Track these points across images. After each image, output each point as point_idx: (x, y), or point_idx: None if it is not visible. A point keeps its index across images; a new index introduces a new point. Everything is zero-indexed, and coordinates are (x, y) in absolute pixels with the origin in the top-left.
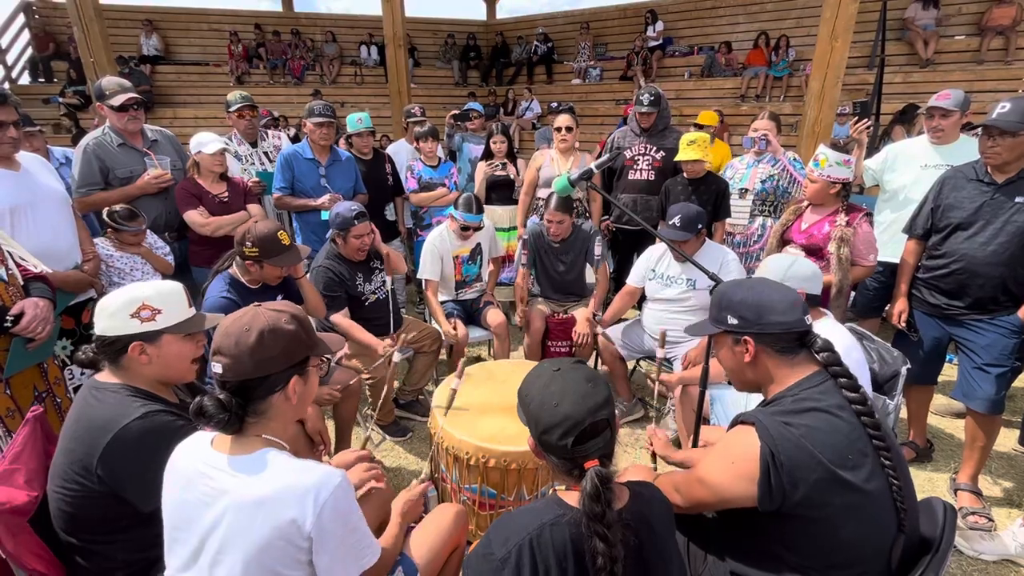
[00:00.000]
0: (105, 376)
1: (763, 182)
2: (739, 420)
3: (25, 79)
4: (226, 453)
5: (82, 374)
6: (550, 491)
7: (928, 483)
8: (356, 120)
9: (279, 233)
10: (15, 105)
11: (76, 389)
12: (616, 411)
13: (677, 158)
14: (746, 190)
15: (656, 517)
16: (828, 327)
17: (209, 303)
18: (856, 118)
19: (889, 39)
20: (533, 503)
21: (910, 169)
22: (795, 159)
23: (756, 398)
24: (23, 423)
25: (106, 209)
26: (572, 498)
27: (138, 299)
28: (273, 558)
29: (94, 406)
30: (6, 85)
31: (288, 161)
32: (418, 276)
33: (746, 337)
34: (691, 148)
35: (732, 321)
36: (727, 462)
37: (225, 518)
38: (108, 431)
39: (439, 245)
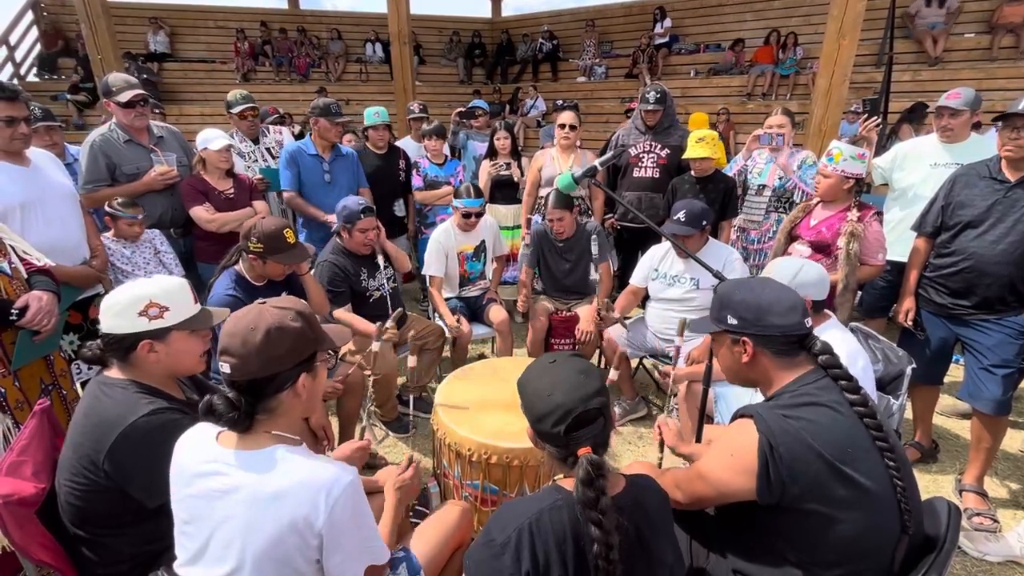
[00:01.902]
0: (113, 372)
1: (781, 179)
2: (739, 414)
3: (33, 76)
4: (235, 449)
5: (89, 369)
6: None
7: (933, 484)
8: (373, 114)
9: (285, 231)
10: (26, 101)
11: (84, 384)
12: (619, 409)
13: (685, 155)
14: (764, 186)
15: (651, 503)
16: (833, 333)
17: (214, 300)
18: (865, 116)
19: (897, 37)
20: (533, 493)
21: (919, 167)
22: (812, 163)
23: (761, 396)
24: (30, 416)
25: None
26: (570, 485)
27: (144, 297)
28: (283, 553)
29: (103, 401)
30: (14, 82)
31: (293, 158)
32: (423, 272)
33: (744, 338)
34: (700, 146)
35: (732, 321)
36: (726, 455)
37: (236, 513)
38: (116, 427)
39: (444, 241)
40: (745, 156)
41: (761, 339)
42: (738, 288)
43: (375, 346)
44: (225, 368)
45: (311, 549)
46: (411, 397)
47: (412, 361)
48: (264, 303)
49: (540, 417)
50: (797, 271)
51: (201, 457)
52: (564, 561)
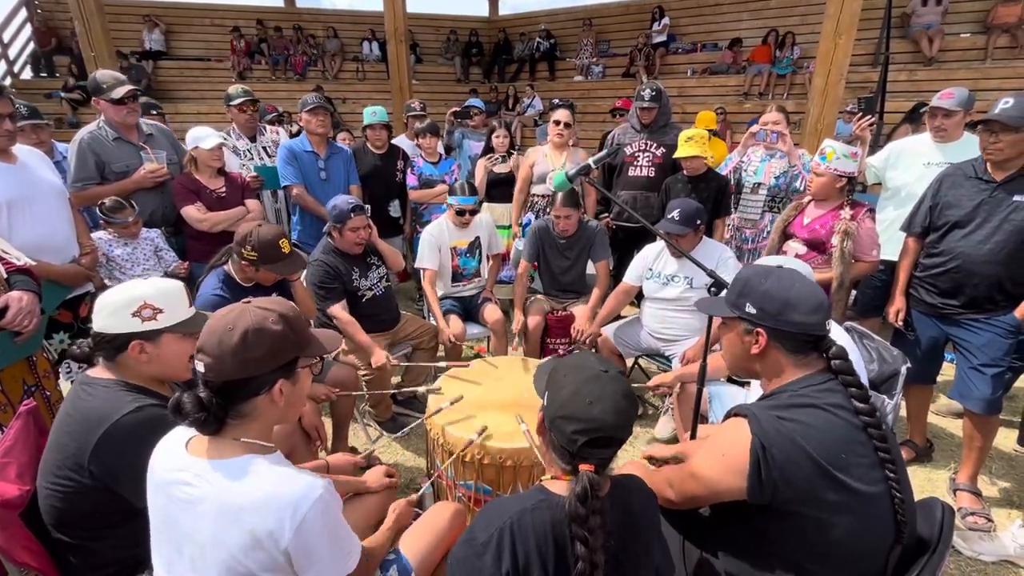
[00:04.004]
0: (98, 371)
1: (776, 178)
2: (733, 412)
3: (27, 74)
4: (204, 457)
5: (79, 368)
6: None
7: (927, 483)
8: (371, 113)
9: (280, 240)
10: (10, 98)
11: (72, 383)
12: None
13: (676, 155)
14: (760, 184)
15: (636, 505)
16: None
17: (201, 300)
18: (860, 115)
19: (894, 36)
20: (517, 493)
21: (913, 167)
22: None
23: (755, 395)
24: (15, 417)
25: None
26: (556, 486)
27: (139, 298)
28: (249, 567)
29: (86, 400)
30: (8, 80)
31: (293, 154)
32: (416, 265)
33: (760, 329)
34: (689, 144)
35: (750, 310)
36: (718, 454)
37: (203, 524)
38: (101, 425)
39: (437, 235)
40: (740, 153)
41: (777, 334)
42: (764, 277)
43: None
44: (199, 367)
45: (279, 565)
46: (419, 392)
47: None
48: (249, 302)
49: (567, 416)
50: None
51: (170, 465)
52: (544, 563)
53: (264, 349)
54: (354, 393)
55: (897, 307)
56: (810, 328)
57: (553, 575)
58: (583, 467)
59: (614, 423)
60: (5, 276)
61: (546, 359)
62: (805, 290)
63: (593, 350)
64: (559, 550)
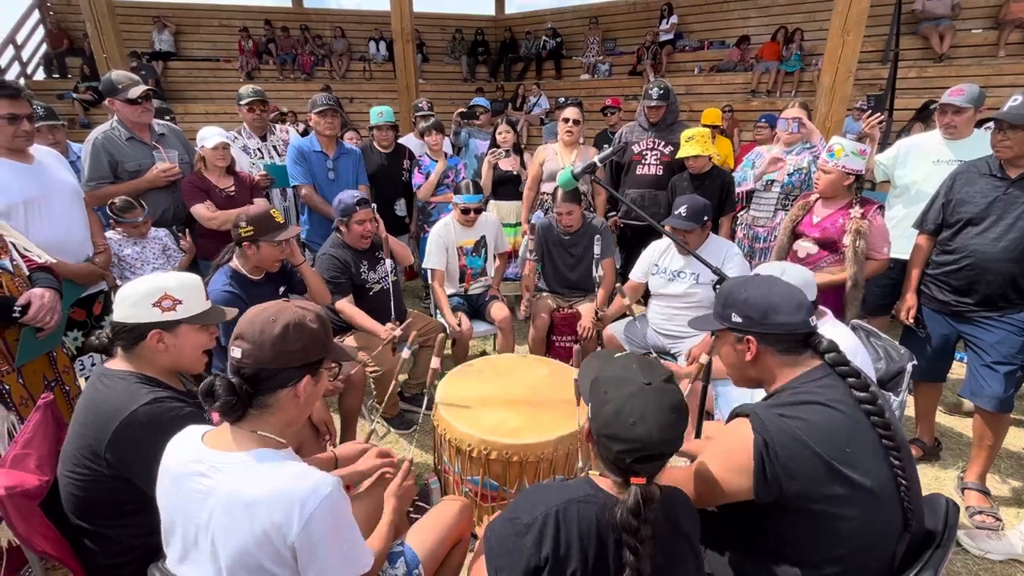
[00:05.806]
0: (115, 363)
1: (790, 175)
2: (736, 413)
3: (40, 75)
4: (219, 450)
5: (92, 364)
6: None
7: (935, 481)
8: (378, 113)
9: (271, 211)
10: (28, 99)
11: (87, 379)
12: None
13: (678, 155)
14: (774, 181)
15: (682, 517)
16: (830, 328)
17: (211, 297)
18: (869, 112)
19: (904, 33)
20: (566, 481)
21: (922, 164)
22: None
23: (761, 393)
24: (34, 410)
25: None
26: (606, 484)
27: (160, 289)
28: (256, 561)
29: (103, 392)
30: (21, 81)
31: (302, 154)
32: (424, 266)
33: (749, 336)
34: (690, 144)
35: (736, 319)
36: (723, 455)
37: (215, 516)
38: (117, 417)
39: (444, 235)
40: (757, 177)
41: (766, 338)
42: (743, 286)
43: (405, 354)
44: (236, 353)
45: (285, 559)
46: (426, 394)
47: (436, 363)
48: (289, 300)
49: (612, 436)
50: (780, 273)
51: (185, 457)
52: (585, 556)
53: (301, 344)
54: (355, 369)
55: (909, 304)
56: (795, 327)
57: (592, 569)
58: (635, 480)
59: (659, 439)
60: (27, 273)
61: (591, 355)
62: (783, 292)
63: (598, 347)
64: (601, 547)
